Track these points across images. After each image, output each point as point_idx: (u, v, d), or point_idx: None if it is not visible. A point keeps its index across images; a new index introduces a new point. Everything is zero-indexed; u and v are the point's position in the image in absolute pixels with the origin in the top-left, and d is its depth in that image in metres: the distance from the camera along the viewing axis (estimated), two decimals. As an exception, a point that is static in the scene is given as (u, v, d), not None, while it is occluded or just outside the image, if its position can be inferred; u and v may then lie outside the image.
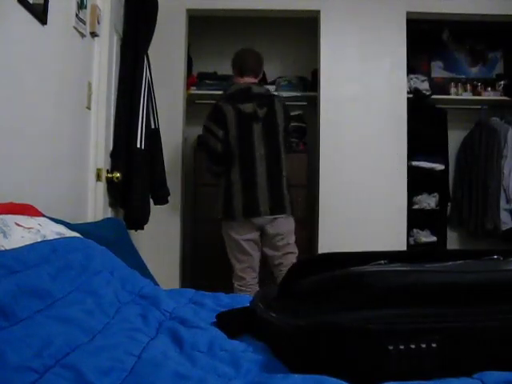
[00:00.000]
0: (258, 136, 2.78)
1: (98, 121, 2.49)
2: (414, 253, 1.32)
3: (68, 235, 1.51)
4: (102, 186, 2.48)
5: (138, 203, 2.71)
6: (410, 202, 3.84)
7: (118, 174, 2.50)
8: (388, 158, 3.61)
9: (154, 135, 2.88)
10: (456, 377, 0.82)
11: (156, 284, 1.68)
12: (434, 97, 3.97)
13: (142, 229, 2.89)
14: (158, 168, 2.93)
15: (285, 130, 2.89)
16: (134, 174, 2.66)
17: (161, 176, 2.96)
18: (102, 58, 2.51)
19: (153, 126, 2.89)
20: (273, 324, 1.05)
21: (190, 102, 3.97)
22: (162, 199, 2.98)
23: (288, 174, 2.87)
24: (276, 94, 3.63)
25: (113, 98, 2.67)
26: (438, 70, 4.37)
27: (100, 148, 2.48)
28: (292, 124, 4.01)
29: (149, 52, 2.91)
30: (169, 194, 3.04)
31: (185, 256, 3.77)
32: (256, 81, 2.95)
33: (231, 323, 1.21)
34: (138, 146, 2.67)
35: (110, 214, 2.64)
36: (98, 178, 2.46)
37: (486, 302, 0.92)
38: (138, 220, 2.78)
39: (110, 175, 2.53)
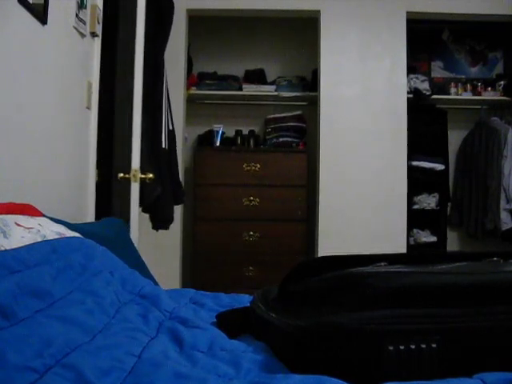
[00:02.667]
0: None
1: (137, 120, 2.46)
2: (414, 255, 1.33)
3: (68, 235, 1.51)
4: (137, 186, 2.45)
5: (167, 203, 2.74)
6: (410, 202, 3.84)
7: (151, 175, 2.49)
8: (388, 158, 3.62)
9: (171, 136, 2.91)
10: (456, 377, 0.82)
11: (156, 284, 1.68)
12: (434, 97, 3.96)
13: (167, 229, 2.92)
14: (175, 168, 2.97)
15: None
16: (161, 175, 2.69)
17: (177, 176, 3.01)
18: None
19: (170, 128, 2.92)
20: (273, 324, 1.05)
21: (190, 102, 3.97)
22: (179, 199, 3.02)
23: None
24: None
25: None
26: (437, 70, 4.37)
27: (136, 148, 2.45)
28: (292, 124, 4.03)
29: (149, 52, 2.92)
30: (185, 194, 3.09)
31: (185, 256, 3.77)
32: None
33: (231, 323, 1.21)
34: (163, 146, 2.68)
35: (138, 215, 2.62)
36: (134, 178, 2.44)
37: (486, 303, 0.92)
38: (167, 220, 2.81)
39: (143, 176, 2.51)
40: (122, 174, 2.45)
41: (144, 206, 2.74)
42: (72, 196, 2.29)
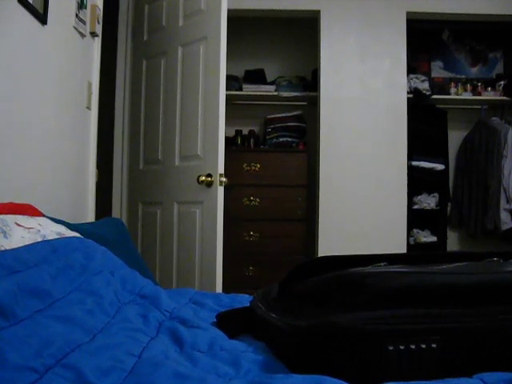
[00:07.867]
0: None
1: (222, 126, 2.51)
2: (414, 255, 1.32)
3: (68, 235, 1.51)
4: (222, 191, 2.47)
5: None
6: (410, 202, 3.84)
7: (225, 179, 2.50)
8: (388, 158, 3.62)
9: None
10: (456, 377, 0.82)
11: (156, 284, 1.67)
12: (434, 97, 3.96)
13: None
14: None
15: None
16: None
17: None
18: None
19: None
20: (273, 324, 1.05)
21: (190, 102, 3.96)
22: None
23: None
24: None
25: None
26: (437, 70, 4.37)
27: (221, 153, 2.48)
28: (292, 124, 4.03)
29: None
30: None
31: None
32: None
33: (231, 323, 1.21)
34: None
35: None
36: (220, 183, 2.46)
37: (486, 303, 0.92)
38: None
39: (226, 180, 2.51)
40: (203, 177, 2.47)
41: None
42: (72, 196, 2.29)
